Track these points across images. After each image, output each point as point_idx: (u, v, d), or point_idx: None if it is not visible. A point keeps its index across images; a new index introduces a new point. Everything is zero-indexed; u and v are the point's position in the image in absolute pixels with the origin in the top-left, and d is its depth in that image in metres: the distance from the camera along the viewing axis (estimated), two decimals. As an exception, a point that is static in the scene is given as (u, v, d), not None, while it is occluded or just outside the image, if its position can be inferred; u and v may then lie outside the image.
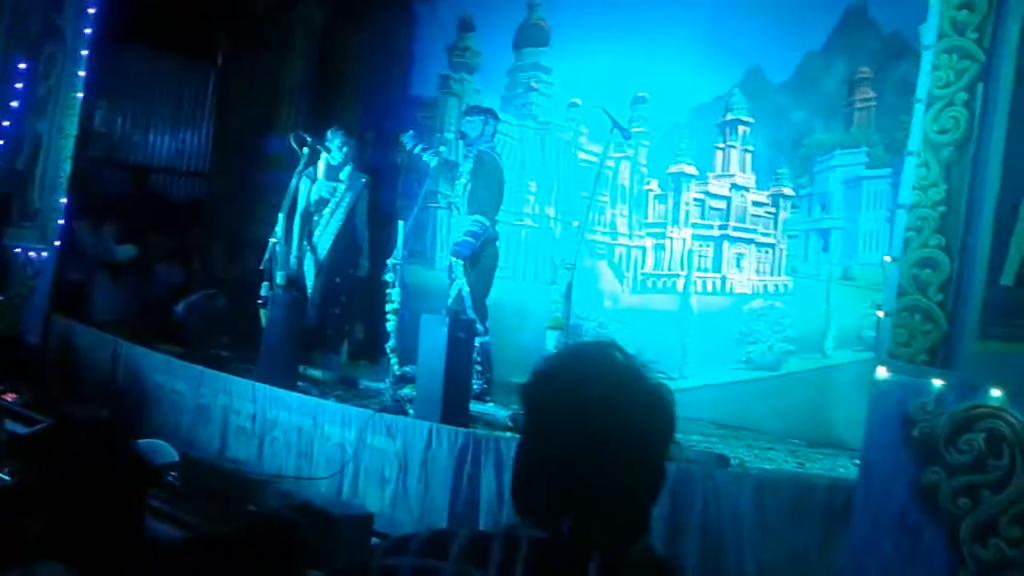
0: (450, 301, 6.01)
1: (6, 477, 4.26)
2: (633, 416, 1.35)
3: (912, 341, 3.48)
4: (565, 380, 1.39)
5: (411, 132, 6.57)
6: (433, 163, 6.29)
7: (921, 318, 3.47)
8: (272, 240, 6.35)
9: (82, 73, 7.70)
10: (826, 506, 3.68)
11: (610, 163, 7.13)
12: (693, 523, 3.79)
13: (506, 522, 1.43)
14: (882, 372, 3.48)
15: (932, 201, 3.54)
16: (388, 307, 5.86)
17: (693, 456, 4.27)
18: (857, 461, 4.82)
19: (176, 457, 4.88)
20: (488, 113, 6.30)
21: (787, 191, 6.46)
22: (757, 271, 6.59)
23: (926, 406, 3.40)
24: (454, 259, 6.03)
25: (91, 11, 7.72)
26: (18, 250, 7.85)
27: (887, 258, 3.74)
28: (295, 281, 6.81)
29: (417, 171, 8.63)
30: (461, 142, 6.51)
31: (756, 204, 6.65)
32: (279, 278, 6.26)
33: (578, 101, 7.70)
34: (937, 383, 3.37)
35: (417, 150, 6.35)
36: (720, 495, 3.81)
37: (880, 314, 3.63)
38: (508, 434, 4.94)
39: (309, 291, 6.85)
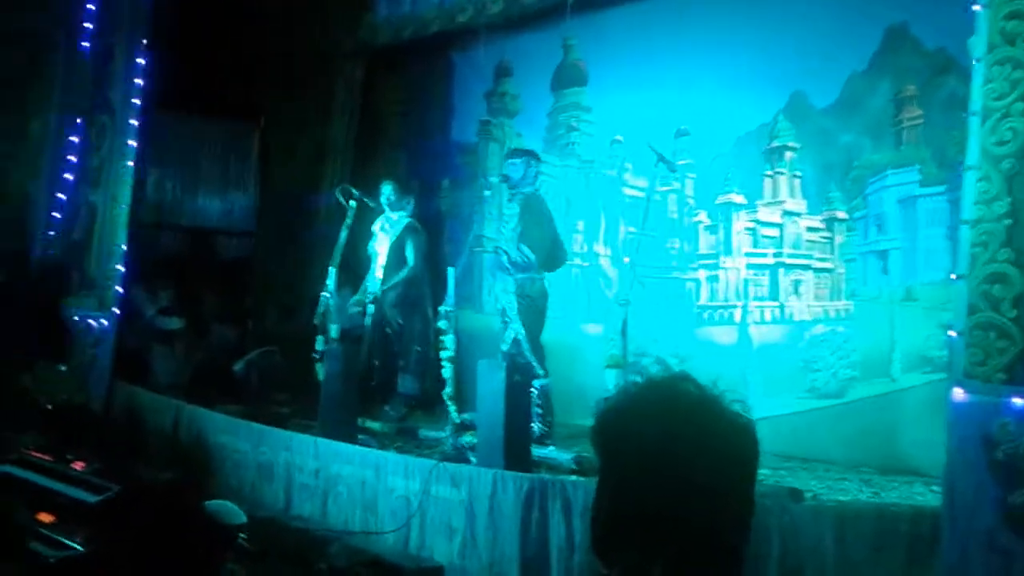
0: (505, 346, 5.98)
1: (79, 547, 4.30)
2: (716, 450, 1.30)
3: (988, 360, 3.37)
4: (640, 420, 1.33)
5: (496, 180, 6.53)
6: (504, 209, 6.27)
7: (995, 335, 3.37)
8: (324, 294, 6.39)
9: (132, 142, 7.90)
10: (910, 535, 3.56)
11: (657, 197, 7.09)
12: (772, 560, 3.68)
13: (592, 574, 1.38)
14: (958, 394, 3.38)
15: (997, 214, 3.46)
16: (443, 355, 5.86)
17: (765, 491, 4.16)
18: (935, 487, 4.69)
19: (244, 518, 4.88)
20: (529, 155, 6.33)
21: (840, 215, 6.35)
22: (816, 297, 6.47)
23: (1007, 426, 3.29)
24: (506, 303, 6.00)
25: (139, 82, 7.94)
26: (78, 319, 8.01)
27: (953, 276, 3.63)
28: (349, 333, 6.87)
29: (461, 216, 8.72)
30: (504, 185, 6.54)
31: (810, 229, 6.54)
32: (333, 331, 6.30)
33: (620, 138, 7.69)
34: (1018, 401, 3.26)
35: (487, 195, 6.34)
36: (799, 530, 3.70)
37: (951, 334, 3.52)
38: (573, 477, 4.88)
39: (366, 342, 6.91)
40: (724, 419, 1.33)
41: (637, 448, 1.31)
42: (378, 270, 7.03)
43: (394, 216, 7.11)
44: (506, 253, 5.92)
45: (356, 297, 7.08)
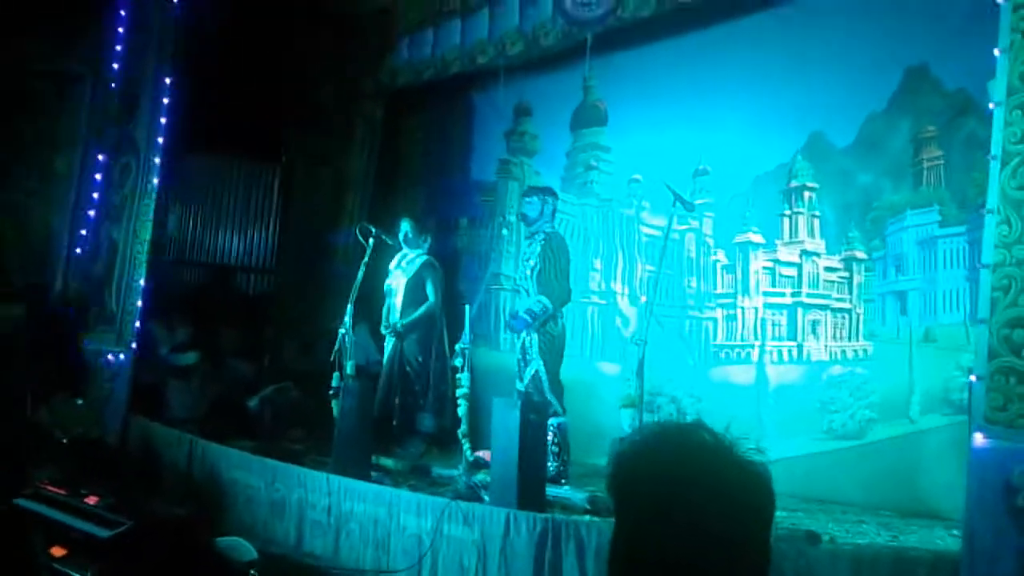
0: (523, 384, 5.96)
1: (90, 581, 4.28)
2: (731, 498, 1.30)
3: (1008, 405, 3.32)
4: (655, 468, 1.33)
5: (514, 220, 6.53)
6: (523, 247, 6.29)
7: (1016, 380, 3.32)
8: (341, 331, 6.40)
9: (155, 180, 8.00)
10: (929, 583, 3.48)
11: (675, 236, 7.09)
12: (789, 606, 3.61)
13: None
14: (979, 439, 3.33)
15: (1017, 259, 3.42)
16: (458, 392, 5.84)
17: (781, 534, 4.09)
18: (955, 532, 4.61)
19: (255, 555, 4.86)
20: (545, 192, 6.34)
21: (859, 255, 6.32)
22: (834, 337, 6.42)
23: (1030, 472, 3.23)
24: (527, 341, 5.99)
25: (163, 120, 8.06)
26: (96, 353, 8.06)
27: (976, 320, 3.59)
28: (364, 370, 6.86)
29: (479, 254, 8.75)
30: (522, 224, 6.56)
31: (828, 269, 6.51)
32: (349, 368, 6.28)
33: (639, 177, 7.72)
34: (1040, 448, 3.20)
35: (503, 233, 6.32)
36: (815, 574, 3.63)
37: (972, 378, 3.48)
38: (587, 517, 4.83)
39: (384, 380, 6.91)
40: (739, 467, 1.33)
41: (652, 496, 1.31)
42: (395, 306, 7.04)
43: (411, 253, 7.13)
44: (526, 313, 5.90)
45: (382, 326, 7.08)
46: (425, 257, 7.11)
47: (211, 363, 8.08)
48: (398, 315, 6.99)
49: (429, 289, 7.00)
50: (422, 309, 6.96)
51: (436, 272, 7.09)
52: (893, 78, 6.19)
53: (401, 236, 7.09)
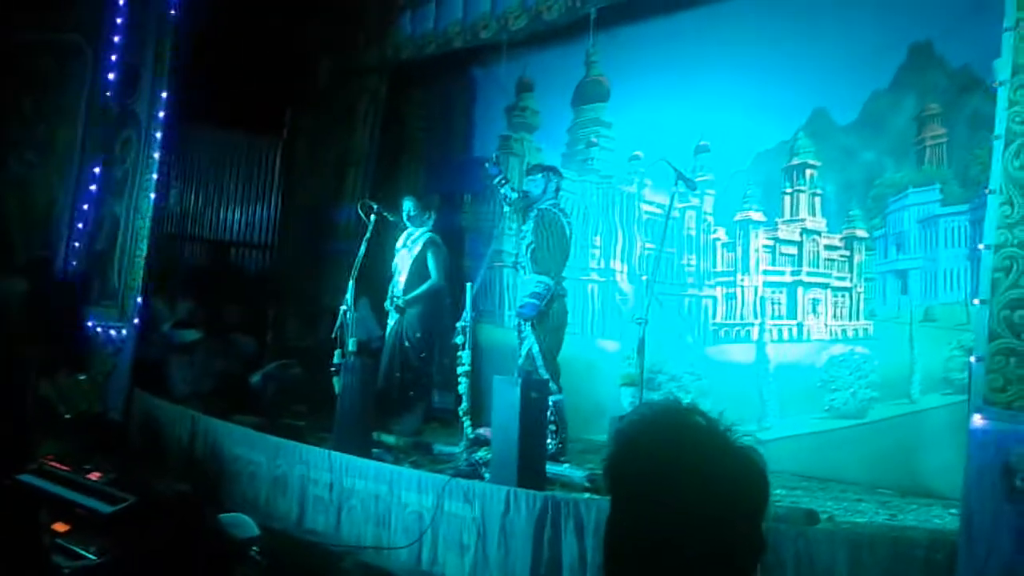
0: (521, 361, 5.97)
1: (92, 556, 4.32)
2: (724, 485, 1.31)
3: (1008, 386, 3.33)
4: (649, 452, 1.34)
5: (495, 157, 6.52)
6: (512, 197, 6.24)
7: (1016, 362, 3.33)
8: (343, 308, 6.40)
9: (156, 155, 7.98)
10: (926, 562, 3.50)
11: (675, 213, 7.07)
12: (786, 585, 3.64)
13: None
14: (978, 420, 3.34)
15: (1019, 240, 3.42)
16: (459, 369, 5.86)
17: (781, 513, 4.12)
18: (953, 511, 4.63)
19: (257, 531, 4.89)
20: (550, 170, 6.30)
21: (860, 233, 6.31)
22: (835, 316, 6.42)
23: (1028, 454, 3.24)
24: (521, 320, 5.99)
25: (164, 95, 8.03)
26: (99, 328, 8.08)
27: (976, 301, 3.58)
28: (366, 347, 6.87)
29: (481, 231, 8.74)
30: (524, 199, 6.52)
31: (829, 248, 6.50)
32: (351, 345, 6.29)
33: (640, 154, 7.69)
34: (1039, 429, 3.21)
35: (497, 181, 6.31)
36: (813, 553, 3.66)
37: (972, 360, 3.48)
38: (587, 495, 4.86)
39: (386, 356, 6.93)
40: (731, 451, 1.34)
41: (644, 477, 1.33)
42: (400, 284, 7.04)
43: (416, 231, 7.11)
44: (531, 296, 5.88)
45: (386, 302, 7.09)
46: (429, 235, 7.10)
47: (214, 339, 8.09)
48: (401, 291, 7.00)
49: (431, 266, 6.99)
50: (424, 286, 6.96)
51: (439, 249, 7.09)
52: (897, 55, 6.15)
53: (404, 214, 7.07)
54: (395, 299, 7.00)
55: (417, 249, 7.04)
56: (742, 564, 1.33)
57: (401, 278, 7.04)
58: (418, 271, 6.99)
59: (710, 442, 1.33)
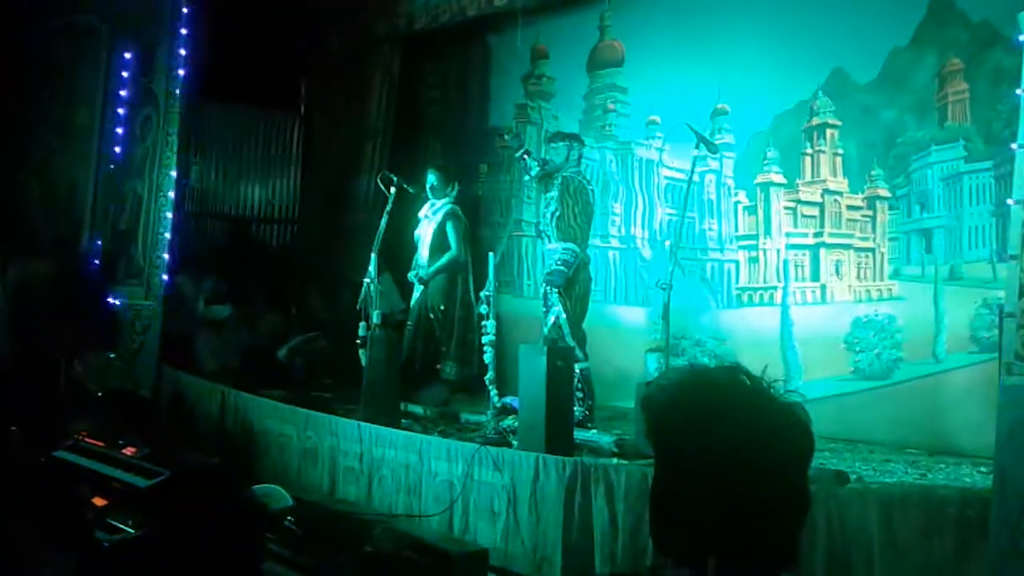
0: (546, 330, 6.00)
1: (131, 530, 4.40)
2: (771, 443, 1.33)
3: (1038, 342, 3.32)
4: (695, 412, 1.36)
5: (515, 130, 6.46)
6: (535, 171, 6.25)
7: (1047, 317, 3.32)
8: (366, 280, 6.44)
9: (175, 132, 8.01)
10: (958, 519, 3.53)
11: (695, 178, 7.04)
12: (818, 544, 3.67)
13: (651, 562, 1.41)
14: (1009, 376, 3.33)
15: (1048, 194, 3.39)
16: (484, 339, 5.90)
17: (810, 475, 4.14)
18: (982, 469, 4.65)
19: (290, 501, 4.98)
20: (572, 138, 6.29)
21: (883, 192, 6.27)
22: (858, 277, 6.39)
23: (1059, 409, 3.24)
24: (548, 288, 6.01)
25: (181, 72, 8.04)
26: (125, 307, 8.17)
27: (1009, 257, 3.57)
28: (390, 319, 6.92)
29: (499, 200, 8.74)
30: (544, 168, 6.51)
31: (851, 208, 6.46)
32: (375, 317, 6.34)
33: (657, 119, 7.64)
34: (1069, 384, 3.21)
35: (519, 155, 6.31)
36: (844, 514, 3.68)
37: (1003, 315, 3.47)
38: (615, 460, 4.90)
39: (411, 328, 6.98)
40: (777, 409, 1.35)
41: (690, 441, 1.34)
42: (422, 255, 7.06)
43: (438, 203, 7.11)
44: (559, 264, 5.89)
45: (410, 274, 7.11)
46: (450, 206, 7.10)
47: (240, 314, 8.16)
48: (424, 263, 7.02)
49: (452, 238, 7.00)
50: (445, 257, 6.98)
51: (459, 221, 7.09)
52: (917, 11, 6.07)
53: (428, 187, 7.07)
54: (418, 271, 7.03)
55: (437, 220, 7.05)
56: (789, 519, 1.35)
57: (423, 249, 7.06)
58: (439, 243, 7.01)
59: (755, 399, 1.35)
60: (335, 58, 9.19)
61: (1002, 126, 5.48)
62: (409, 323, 7.07)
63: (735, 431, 1.31)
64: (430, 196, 7.10)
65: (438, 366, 7.08)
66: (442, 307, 7.01)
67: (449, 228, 7.02)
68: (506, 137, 6.33)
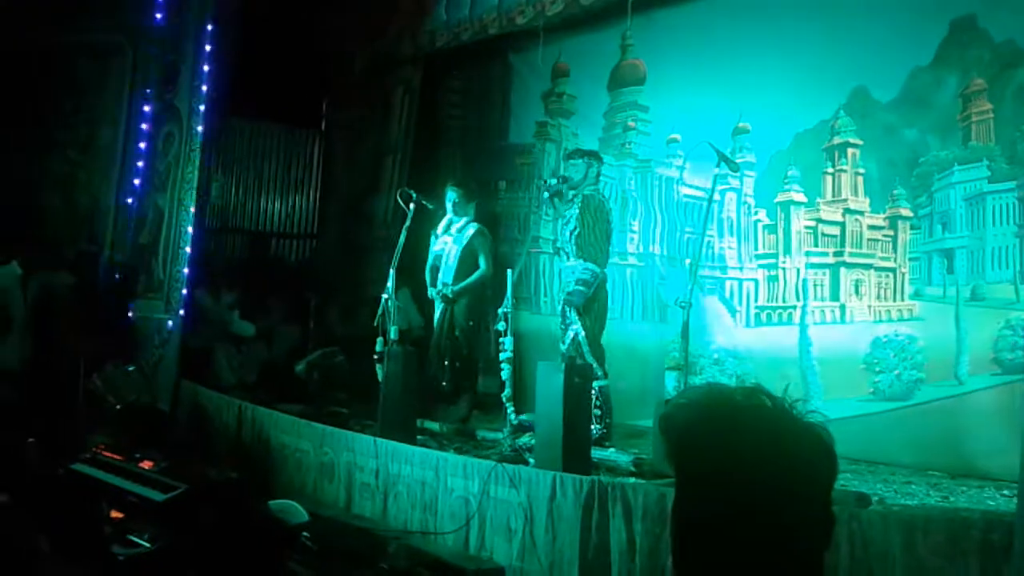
0: (564, 347, 5.98)
1: (147, 544, 4.41)
2: (794, 465, 1.31)
3: (1064, 364, 3.28)
4: (715, 434, 1.34)
5: (554, 185, 6.44)
6: (557, 207, 6.24)
7: (1072, 339, 3.27)
8: (384, 296, 6.45)
9: (197, 148, 8.09)
10: (982, 543, 3.46)
11: (717, 197, 7.02)
12: (840, 566, 3.61)
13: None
14: (1033, 399, 3.29)
15: (1073, 215, 3.36)
16: (502, 356, 5.87)
17: (833, 496, 4.09)
18: (1006, 492, 4.58)
19: (307, 517, 4.97)
20: (591, 155, 6.29)
21: (905, 212, 6.22)
22: (878, 297, 6.34)
23: (1084, 433, 3.19)
24: (567, 306, 6.00)
25: (204, 89, 8.12)
26: (146, 320, 8.22)
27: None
28: (407, 335, 6.92)
29: (518, 217, 8.75)
30: (564, 186, 6.51)
31: (872, 228, 6.42)
32: (393, 332, 6.34)
33: (677, 137, 7.64)
34: (1094, 407, 3.16)
35: (546, 196, 6.32)
36: (866, 536, 3.63)
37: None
38: (633, 480, 4.86)
39: (434, 345, 6.99)
40: (800, 431, 1.34)
41: (714, 461, 1.32)
42: (447, 272, 7.07)
43: (461, 221, 7.13)
44: (578, 284, 5.89)
45: (431, 291, 7.11)
46: (477, 225, 7.12)
47: (258, 328, 8.20)
48: (450, 281, 7.02)
49: (481, 258, 7.03)
50: (475, 276, 7.00)
51: (487, 240, 7.14)
52: (939, 30, 6.04)
53: (449, 204, 7.09)
54: (443, 288, 7.03)
55: (466, 239, 7.05)
56: (813, 541, 1.33)
57: (448, 266, 7.06)
58: (467, 261, 7.02)
59: (777, 421, 1.33)
60: (356, 76, 9.26)
61: (1028, 147, 5.45)
62: (433, 339, 7.08)
63: (756, 453, 1.30)
64: (450, 213, 7.11)
65: (465, 383, 7.07)
66: (470, 323, 7.02)
67: (480, 247, 7.05)
68: (545, 187, 6.32)
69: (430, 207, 6.92)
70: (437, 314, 7.12)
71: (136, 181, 8.70)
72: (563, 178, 6.20)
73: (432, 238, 7.19)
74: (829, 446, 1.35)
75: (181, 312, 7.94)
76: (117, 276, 8.66)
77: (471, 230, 7.07)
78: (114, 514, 4.77)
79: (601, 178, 6.32)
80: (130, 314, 8.40)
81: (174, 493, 4.87)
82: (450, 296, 6.98)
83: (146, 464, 5.31)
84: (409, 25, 8.77)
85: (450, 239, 7.10)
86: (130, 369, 7.79)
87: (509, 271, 5.87)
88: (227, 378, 7.79)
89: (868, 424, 6.09)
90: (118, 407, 7.07)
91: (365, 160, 9.19)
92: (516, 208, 8.84)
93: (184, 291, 7.98)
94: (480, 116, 9.33)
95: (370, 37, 9.15)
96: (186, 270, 8.00)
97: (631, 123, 8.00)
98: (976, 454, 5.41)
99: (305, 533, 4.90)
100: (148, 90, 8.73)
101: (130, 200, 8.75)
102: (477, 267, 7.01)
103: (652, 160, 7.83)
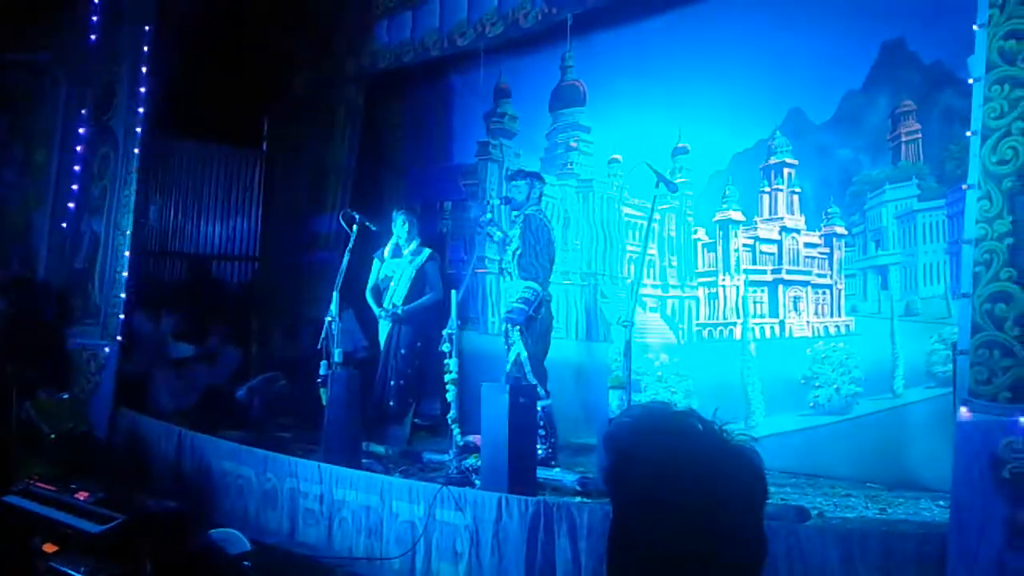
0: (508, 367, 5.99)
1: (82, 576, 4.28)
2: (724, 485, 1.33)
3: (992, 378, 3.38)
4: (648, 458, 1.36)
5: (498, 203, 6.59)
6: (496, 237, 6.39)
7: (1000, 354, 3.37)
8: (327, 319, 6.39)
9: (134, 170, 7.94)
10: (917, 556, 3.54)
11: (657, 216, 7.10)
12: (780, 582, 3.66)
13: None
14: (964, 413, 3.38)
15: (998, 233, 3.47)
16: (447, 377, 5.85)
17: (771, 511, 4.14)
18: (941, 503, 4.69)
19: (248, 546, 4.86)
20: (533, 177, 6.35)
21: (839, 230, 6.37)
22: (816, 313, 6.47)
23: (1014, 444, 3.29)
24: (509, 326, 6.02)
25: (140, 110, 7.98)
26: (81, 347, 8.02)
27: (962, 295, 3.63)
28: (351, 358, 6.87)
29: (463, 238, 8.75)
30: (506, 207, 6.57)
31: (808, 245, 6.56)
32: (337, 355, 6.28)
33: (619, 157, 7.73)
34: (1024, 420, 3.25)
35: (486, 219, 6.42)
36: (804, 551, 3.69)
37: (956, 354, 3.52)
38: (578, 499, 4.87)
39: (380, 365, 6.96)
40: (730, 451, 1.36)
41: (646, 485, 1.34)
42: (396, 294, 7.07)
43: (411, 244, 7.16)
44: (520, 302, 5.94)
45: (378, 310, 7.10)
46: (429, 251, 7.21)
47: (199, 353, 8.06)
48: (400, 302, 7.02)
49: (434, 280, 7.08)
50: (426, 297, 7.04)
51: (438, 263, 7.21)
52: (870, 53, 6.21)
53: (398, 229, 7.13)
54: (393, 308, 7.02)
55: (417, 262, 7.09)
56: (747, 563, 1.35)
57: (397, 287, 7.08)
58: (419, 283, 7.05)
59: (707, 445, 1.35)
60: (298, 96, 9.20)
61: (955, 165, 5.61)
62: (380, 360, 7.05)
63: (686, 478, 1.31)
64: (402, 238, 7.14)
65: (410, 401, 7.04)
66: (418, 344, 7.02)
67: (430, 271, 7.09)
68: (483, 218, 6.47)
69: (373, 228, 6.89)
70: (383, 334, 7.09)
71: (71, 204, 8.49)
72: (506, 199, 6.24)
73: (376, 262, 7.19)
74: (759, 468, 1.37)
75: (119, 338, 7.76)
76: (51, 302, 8.44)
77: (424, 254, 7.11)
78: (48, 547, 4.63)
79: (543, 198, 6.37)
80: (65, 341, 8.18)
81: (111, 524, 4.73)
82: (400, 315, 6.97)
83: (82, 495, 5.15)
84: (351, 46, 8.75)
85: (401, 261, 7.11)
86: (64, 396, 7.58)
87: (453, 292, 5.86)
88: (166, 404, 7.64)
89: (808, 438, 6.20)
90: (52, 436, 6.88)
91: (307, 181, 9.12)
92: (462, 229, 8.85)
93: (121, 316, 7.80)
94: (423, 136, 9.34)
95: (312, 56, 9.11)
96: (123, 295, 7.82)
97: (573, 143, 8.07)
98: (913, 465, 5.53)
99: (247, 563, 4.81)
100: (83, 111, 8.55)
101: (64, 224, 8.54)
102: (428, 290, 7.04)
103: (594, 180, 7.90)
